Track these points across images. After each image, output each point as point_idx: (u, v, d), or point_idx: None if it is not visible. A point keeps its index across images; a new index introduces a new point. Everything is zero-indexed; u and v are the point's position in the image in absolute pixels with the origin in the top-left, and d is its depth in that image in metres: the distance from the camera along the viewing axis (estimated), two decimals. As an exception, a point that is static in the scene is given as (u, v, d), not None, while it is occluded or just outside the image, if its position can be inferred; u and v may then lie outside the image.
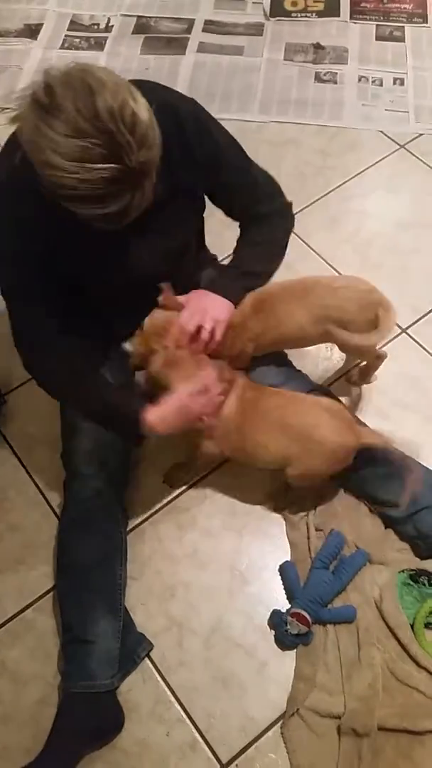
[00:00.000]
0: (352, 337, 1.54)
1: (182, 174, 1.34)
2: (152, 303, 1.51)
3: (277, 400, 1.55)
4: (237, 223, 1.61)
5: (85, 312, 1.47)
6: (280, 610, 1.53)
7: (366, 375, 1.82)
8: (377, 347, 1.72)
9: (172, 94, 1.38)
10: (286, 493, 1.66)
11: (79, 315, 1.44)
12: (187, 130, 1.35)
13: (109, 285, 1.43)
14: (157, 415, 1.38)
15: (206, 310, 1.50)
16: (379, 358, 1.76)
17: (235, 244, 1.60)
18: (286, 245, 1.61)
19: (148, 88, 1.12)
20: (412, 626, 1.51)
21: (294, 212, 1.60)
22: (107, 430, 1.48)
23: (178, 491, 1.73)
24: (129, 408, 1.39)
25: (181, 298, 1.52)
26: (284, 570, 1.59)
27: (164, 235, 1.30)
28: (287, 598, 1.56)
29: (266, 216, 1.56)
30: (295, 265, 1.99)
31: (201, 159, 1.40)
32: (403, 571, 1.58)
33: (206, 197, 1.55)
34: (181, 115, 1.34)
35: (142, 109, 1.07)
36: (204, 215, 1.62)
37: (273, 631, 1.53)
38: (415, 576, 1.56)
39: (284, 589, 1.58)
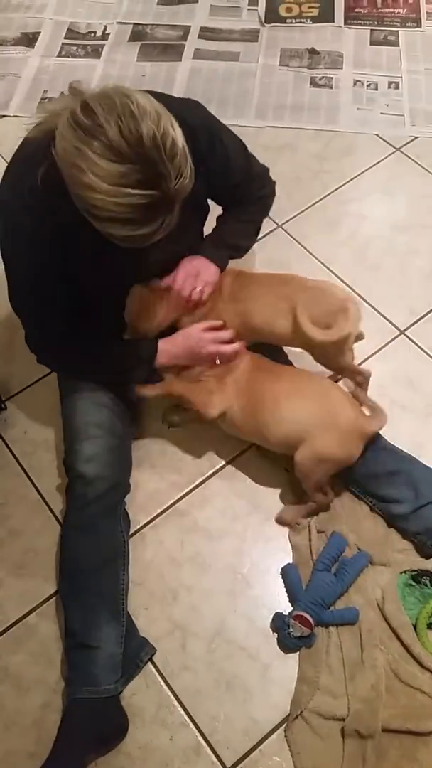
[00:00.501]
0: (311, 328, 1.55)
1: (195, 184, 1.37)
2: None
3: (291, 376, 1.63)
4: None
5: (91, 310, 1.53)
6: (282, 613, 1.53)
7: (359, 397, 1.71)
8: (353, 362, 1.70)
9: (180, 103, 1.41)
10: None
11: (87, 313, 1.52)
12: (198, 140, 1.38)
13: (119, 288, 1.49)
14: (165, 343, 1.54)
15: (198, 272, 1.58)
16: (359, 375, 1.72)
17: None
18: (262, 222, 1.73)
19: (161, 99, 1.15)
20: (414, 627, 1.51)
21: (291, 216, 1.68)
22: (127, 381, 1.61)
23: (179, 495, 1.73)
24: (141, 345, 1.58)
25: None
26: (286, 573, 1.59)
27: (174, 241, 1.32)
28: (289, 601, 1.56)
29: (256, 199, 1.66)
30: (292, 267, 2.00)
31: (211, 167, 1.44)
32: (405, 572, 1.57)
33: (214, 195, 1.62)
34: (192, 126, 1.35)
35: (179, 138, 1.11)
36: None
37: (275, 634, 1.53)
38: (417, 577, 1.57)
39: (286, 591, 1.58)
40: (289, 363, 1.74)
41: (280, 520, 1.66)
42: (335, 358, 1.65)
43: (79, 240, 1.26)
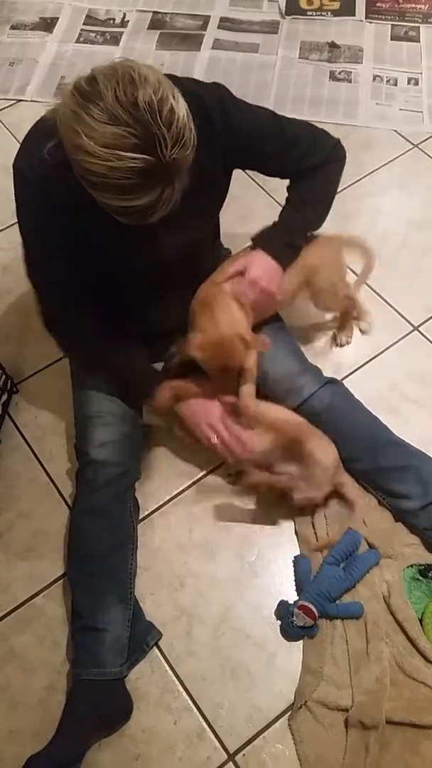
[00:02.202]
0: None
1: (207, 162, 1.35)
2: (171, 288, 1.54)
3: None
4: (248, 220, 1.62)
5: (105, 295, 1.52)
6: (287, 601, 1.54)
7: (343, 326, 1.91)
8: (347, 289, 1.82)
9: (197, 83, 1.40)
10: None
11: (101, 298, 1.51)
12: (213, 117, 1.36)
13: (130, 272, 1.46)
14: (168, 390, 1.54)
15: (265, 274, 1.54)
16: (350, 300, 1.84)
17: (249, 238, 1.61)
18: (338, 183, 1.65)
19: (175, 80, 1.14)
20: (420, 621, 1.51)
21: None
22: (125, 393, 1.61)
23: (188, 483, 1.74)
24: (145, 378, 1.58)
25: (240, 262, 1.55)
26: (297, 562, 1.59)
27: (186, 225, 1.31)
28: (296, 591, 1.57)
29: (318, 167, 1.57)
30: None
31: (228, 144, 1.41)
32: (411, 566, 1.58)
33: (253, 171, 1.59)
34: (206, 103, 1.35)
35: (181, 108, 1.08)
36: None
37: (279, 621, 1.54)
38: (424, 571, 1.57)
39: (294, 581, 1.58)
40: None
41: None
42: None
43: (87, 218, 1.23)
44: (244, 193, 2.15)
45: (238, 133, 1.42)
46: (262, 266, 1.54)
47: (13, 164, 1.34)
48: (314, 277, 1.66)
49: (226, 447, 1.52)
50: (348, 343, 1.94)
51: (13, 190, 1.35)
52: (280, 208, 1.61)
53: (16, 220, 1.38)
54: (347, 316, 1.90)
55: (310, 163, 1.55)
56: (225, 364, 1.51)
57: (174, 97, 1.08)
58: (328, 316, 1.94)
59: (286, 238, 1.57)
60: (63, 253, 1.38)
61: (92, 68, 1.09)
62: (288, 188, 1.62)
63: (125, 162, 1.05)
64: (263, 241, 1.57)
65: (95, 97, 1.04)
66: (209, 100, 1.36)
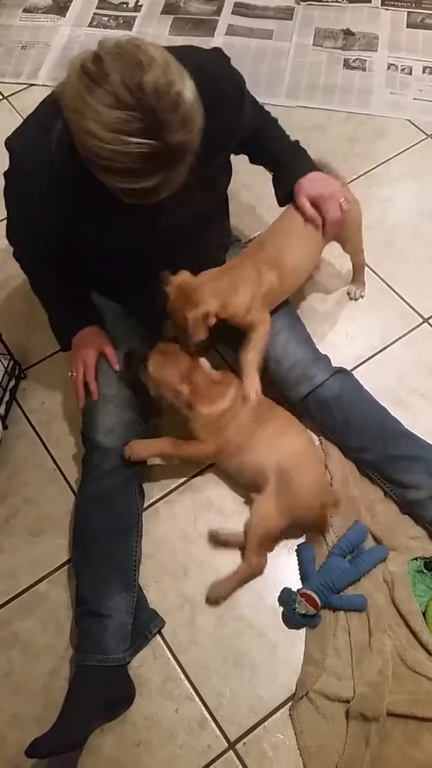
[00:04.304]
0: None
1: (215, 138, 1.35)
2: (172, 265, 1.53)
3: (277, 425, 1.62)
4: (257, 209, 1.62)
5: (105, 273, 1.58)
6: (290, 588, 1.54)
7: (356, 279, 1.96)
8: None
9: (219, 58, 1.42)
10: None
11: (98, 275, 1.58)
12: (230, 95, 1.36)
13: (131, 247, 1.45)
14: (78, 338, 1.68)
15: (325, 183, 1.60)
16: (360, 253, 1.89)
17: (257, 223, 1.64)
18: None
19: (192, 51, 1.13)
20: (423, 614, 1.51)
21: None
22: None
23: (194, 471, 1.73)
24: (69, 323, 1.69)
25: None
26: (301, 551, 1.59)
27: (195, 201, 1.30)
28: (300, 579, 1.57)
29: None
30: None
31: (237, 120, 1.43)
32: (416, 558, 1.58)
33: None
34: (218, 78, 1.36)
35: (188, 91, 1.08)
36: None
37: (281, 608, 1.54)
38: (429, 564, 1.56)
39: (298, 569, 1.58)
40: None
41: (211, 599, 1.57)
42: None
43: (87, 196, 1.22)
44: (253, 181, 2.13)
45: (242, 115, 1.45)
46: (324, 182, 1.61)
47: (8, 144, 1.36)
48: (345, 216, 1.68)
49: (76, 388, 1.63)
50: (362, 296, 1.98)
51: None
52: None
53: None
54: (359, 269, 1.94)
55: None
56: (178, 313, 1.51)
57: (182, 80, 1.07)
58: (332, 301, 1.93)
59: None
60: (58, 229, 1.40)
61: (99, 44, 1.08)
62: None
63: (130, 146, 1.05)
64: (297, 173, 1.61)
65: (101, 80, 1.03)
66: (221, 75, 1.40)
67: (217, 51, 1.49)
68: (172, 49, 1.13)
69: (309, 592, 1.50)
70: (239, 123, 1.44)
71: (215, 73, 1.38)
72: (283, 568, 1.60)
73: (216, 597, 1.56)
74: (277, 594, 1.56)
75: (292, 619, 1.52)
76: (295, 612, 1.50)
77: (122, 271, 1.54)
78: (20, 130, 1.38)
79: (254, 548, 1.55)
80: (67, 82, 1.08)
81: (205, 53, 1.45)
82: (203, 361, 1.61)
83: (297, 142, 1.68)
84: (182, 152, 1.10)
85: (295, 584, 1.57)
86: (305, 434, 1.66)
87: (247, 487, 1.65)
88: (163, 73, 1.04)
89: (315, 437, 1.72)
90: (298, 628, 1.52)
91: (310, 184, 1.58)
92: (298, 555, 1.60)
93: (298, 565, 1.59)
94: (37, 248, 1.51)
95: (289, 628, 1.53)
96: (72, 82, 1.07)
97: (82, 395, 1.63)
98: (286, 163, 1.63)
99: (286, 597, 1.53)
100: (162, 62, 1.06)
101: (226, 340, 1.76)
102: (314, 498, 1.55)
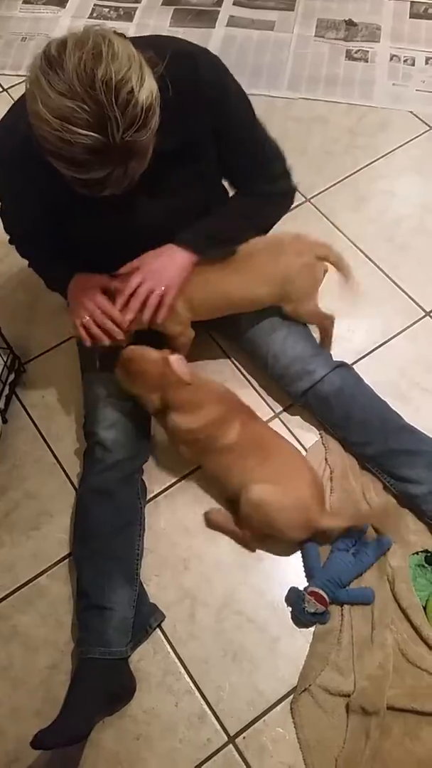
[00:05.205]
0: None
1: (193, 124, 1.33)
2: None
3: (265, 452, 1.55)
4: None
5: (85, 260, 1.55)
6: (297, 588, 1.53)
7: (323, 344, 1.79)
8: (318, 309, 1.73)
9: (193, 46, 1.38)
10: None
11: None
12: (203, 78, 1.34)
13: (107, 235, 1.44)
14: (74, 283, 1.56)
15: (162, 271, 1.47)
16: (327, 319, 1.75)
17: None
18: (270, 227, 1.63)
19: (168, 39, 1.11)
20: (424, 608, 1.50)
21: (320, 190, 1.60)
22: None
23: (195, 467, 1.73)
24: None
25: (134, 262, 1.48)
26: (306, 548, 1.58)
27: (173, 193, 1.29)
28: (306, 577, 1.56)
29: (265, 195, 1.56)
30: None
31: (215, 115, 1.39)
32: (417, 553, 1.57)
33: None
34: (198, 63, 1.33)
35: (144, 89, 1.07)
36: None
37: (290, 609, 1.53)
38: (430, 558, 1.56)
39: (304, 567, 1.57)
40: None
41: (209, 522, 1.64)
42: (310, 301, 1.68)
43: (60, 184, 1.21)
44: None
45: (220, 100, 1.39)
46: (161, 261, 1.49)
47: None
48: (288, 286, 1.62)
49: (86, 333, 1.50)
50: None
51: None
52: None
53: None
54: (327, 334, 1.78)
55: (270, 183, 1.55)
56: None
57: (140, 78, 1.06)
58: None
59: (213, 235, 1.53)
60: (40, 216, 1.42)
61: (69, 31, 1.07)
62: (234, 196, 1.61)
63: (75, 137, 1.05)
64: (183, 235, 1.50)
65: (58, 66, 1.03)
66: (202, 63, 1.35)
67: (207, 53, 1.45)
68: (159, 39, 1.13)
69: (317, 589, 1.49)
70: (212, 120, 1.41)
71: (189, 49, 1.37)
72: (282, 562, 1.60)
73: (208, 519, 1.63)
74: (277, 587, 1.56)
75: (302, 619, 1.51)
76: (305, 611, 1.49)
77: (110, 260, 1.53)
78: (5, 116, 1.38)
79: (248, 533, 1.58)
80: (31, 64, 1.08)
81: (197, 50, 1.41)
82: (175, 360, 1.53)
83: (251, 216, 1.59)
84: (128, 150, 1.10)
85: (295, 578, 1.56)
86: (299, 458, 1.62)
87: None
88: (120, 70, 1.04)
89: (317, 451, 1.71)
90: (309, 627, 1.52)
91: (149, 259, 1.48)
92: (303, 552, 1.59)
93: (303, 562, 1.58)
94: (26, 229, 1.52)
95: (300, 628, 1.52)
96: (34, 63, 1.07)
97: (98, 332, 1.49)
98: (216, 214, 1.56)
99: (294, 597, 1.52)
100: (125, 57, 1.05)
101: (219, 328, 1.76)
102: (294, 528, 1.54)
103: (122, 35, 1.12)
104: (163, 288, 1.46)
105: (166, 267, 1.47)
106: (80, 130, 1.04)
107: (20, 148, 1.23)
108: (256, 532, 1.57)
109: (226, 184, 1.61)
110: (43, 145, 1.10)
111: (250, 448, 1.54)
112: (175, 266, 1.48)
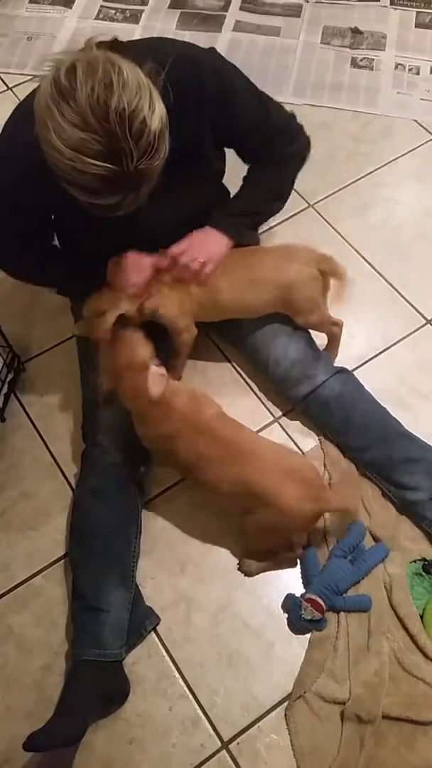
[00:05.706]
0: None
1: (196, 128, 1.34)
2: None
3: (242, 448, 1.47)
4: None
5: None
6: (294, 595, 1.52)
7: (332, 348, 1.80)
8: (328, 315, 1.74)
9: (195, 49, 1.39)
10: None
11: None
12: (205, 85, 1.35)
13: (113, 241, 1.46)
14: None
15: (203, 246, 1.52)
16: (335, 325, 1.75)
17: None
18: (293, 183, 1.65)
19: (168, 42, 1.11)
20: (421, 617, 1.50)
21: (323, 196, 1.62)
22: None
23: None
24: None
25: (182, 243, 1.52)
26: (305, 554, 1.57)
27: (174, 193, 1.29)
28: (303, 583, 1.55)
29: (282, 157, 1.58)
30: (321, 249, 1.97)
31: (218, 113, 1.40)
32: (414, 561, 1.57)
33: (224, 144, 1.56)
34: (200, 67, 1.34)
35: (155, 117, 1.08)
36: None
37: (287, 615, 1.53)
38: (427, 566, 1.55)
39: (301, 573, 1.57)
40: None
41: (246, 572, 1.59)
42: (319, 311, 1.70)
43: (67, 196, 1.21)
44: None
45: (224, 103, 1.40)
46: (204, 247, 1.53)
47: None
48: (292, 295, 1.63)
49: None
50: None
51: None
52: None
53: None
54: (335, 339, 1.78)
55: (284, 152, 1.56)
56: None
57: (151, 105, 1.07)
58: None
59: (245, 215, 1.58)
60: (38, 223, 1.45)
61: (77, 55, 1.07)
62: (250, 170, 1.62)
63: (88, 167, 1.06)
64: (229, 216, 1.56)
65: (69, 96, 1.04)
66: (203, 63, 1.35)
67: (212, 50, 1.46)
68: (157, 41, 1.13)
69: (313, 596, 1.48)
70: (215, 106, 1.41)
71: (186, 52, 1.37)
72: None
73: (247, 571, 1.58)
74: (273, 592, 1.55)
75: (299, 626, 1.50)
76: (301, 618, 1.48)
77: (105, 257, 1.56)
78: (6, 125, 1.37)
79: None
80: (39, 89, 1.08)
81: (199, 54, 1.41)
82: (154, 373, 1.45)
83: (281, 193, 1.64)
84: (141, 179, 1.11)
85: (291, 584, 1.56)
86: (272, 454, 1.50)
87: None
88: (132, 100, 1.04)
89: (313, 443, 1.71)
90: (305, 633, 1.51)
91: (192, 241, 1.52)
92: (301, 558, 1.58)
93: (301, 568, 1.57)
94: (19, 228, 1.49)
95: (296, 634, 1.51)
96: (43, 91, 1.07)
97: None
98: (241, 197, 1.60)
99: (291, 604, 1.51)
100: (134, 84, 1.05)
101: (220, 331, 1.77)
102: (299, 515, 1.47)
103: (123, 44, 1.13)
104: (203, 260, 1.51)
105: (208, 243, 1.52)
106: (93, 161, 1.05)
107: (22, 160, 1.26)
108: (268, 539, 1.55)
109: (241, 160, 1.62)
110: (57, 173, 1.11)
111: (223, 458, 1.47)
112: (217, 244, 1.54)
